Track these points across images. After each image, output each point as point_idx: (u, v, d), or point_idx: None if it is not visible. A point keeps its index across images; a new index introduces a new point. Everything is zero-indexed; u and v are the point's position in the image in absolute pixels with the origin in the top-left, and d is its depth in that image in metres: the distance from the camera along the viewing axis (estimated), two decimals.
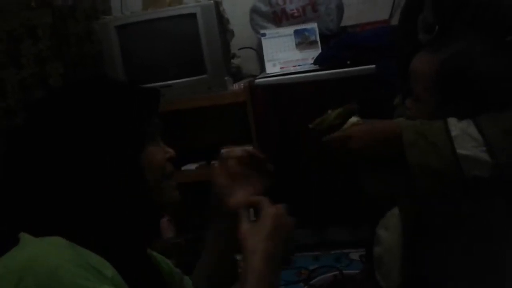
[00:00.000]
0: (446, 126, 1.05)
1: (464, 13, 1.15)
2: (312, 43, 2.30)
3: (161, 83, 2.10)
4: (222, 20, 2.25)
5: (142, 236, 0.84)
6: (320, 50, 2.27)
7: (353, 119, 1.21)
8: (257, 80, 2.20)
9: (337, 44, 2.20)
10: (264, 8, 2.38)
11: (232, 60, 2.40)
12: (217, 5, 2.20)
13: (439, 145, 1.03)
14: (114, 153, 0.77)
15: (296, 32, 2.31)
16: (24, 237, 0.73)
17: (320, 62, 2.20)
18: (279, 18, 2.37)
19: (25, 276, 0.66)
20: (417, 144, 1.05)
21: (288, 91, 2.16)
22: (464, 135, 1.03)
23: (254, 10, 2.40)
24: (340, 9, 2.37)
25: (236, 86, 2.23)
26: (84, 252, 0.71)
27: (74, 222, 0.74)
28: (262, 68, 2.40)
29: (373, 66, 2.04)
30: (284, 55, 2.31)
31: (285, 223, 0.88)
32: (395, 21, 2.35)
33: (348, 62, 2.13)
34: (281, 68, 2.30)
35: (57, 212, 0.74)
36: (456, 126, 1.04)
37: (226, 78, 2.20)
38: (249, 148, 1.03)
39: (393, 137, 1.09)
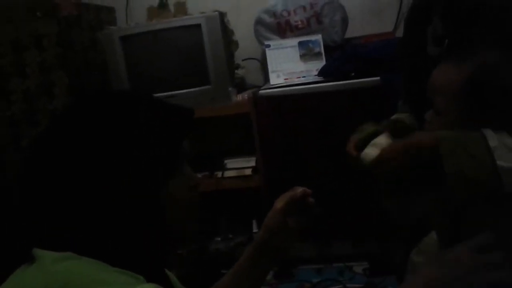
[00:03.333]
0: (483, 136, 1.02)
1: (479, 25, 1.13)
2: (317, 55, 2.30)
3: (164, 94, 2.10)
4: (226, 31, 2.26)
5: (156, 257, 0.81)
6: (324, 62, 2.26)
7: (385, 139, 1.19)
8: (261, 91, 2.20)
9: (341, 56, 2.20)
10: (268, 19, 2.38)
11: (236, 71, 2.40)
12: (222, 16, 2.21)
13: (478, 155, 1.00)
14: (135, 183, 0.72)
15: (301, 44, 2.31)
16: (42, 254, 0.70)
17: (324, 73, 2.20)
18: (283, 29, 2.38)
19: None
20: (456, 154, 1.01)
21: (292, 102, 2.15)
22: (503, 147, 1.00)
23: (259, 22, 2.41)
24: (344, 21, 2.37)
25: (240, 97, 2.23)
26: (105, 264, 0.70)
27: (89, 241, 0.71)
28: (266, 79, 2.40)
29: (378, 78, 2.04)
30: (288, 66, 2.31)
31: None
32: (399, 33, 2.35)
33: (353, 74, 2.13)
34: (285, 79, 2.30)
35: (71, 233, 0.71)
36: (493, 137, 1.01)
37: (230, 89, 2.20)
38: (305, 188, 1.07)
39: (428, 148, 1.05)
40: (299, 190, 1.05)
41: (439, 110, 1.11)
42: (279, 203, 1.04)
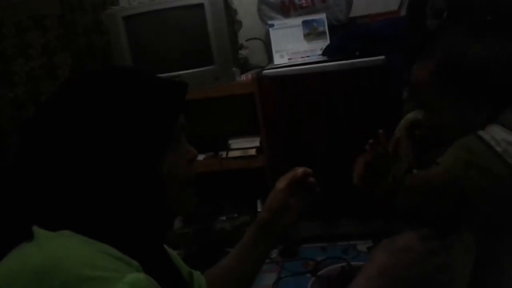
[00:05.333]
0: (485, 142, 1.01)
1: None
2: (321, 34, 2.28)
3: (168, 74, 2.09)
4: (230, 11, 2.24)
5: (155, 233, 0.82)
6: (328, 41, 2.25)
7: None
8: (265, 71, 2.19)
9: (346, 35, 2.19)
10: None
11: (240, 51, 2.39)
12: None
13: (492, 167, 1.01)
14: (133, 157, 0.73)
15: (305, 23, 2.29)
16: (39, 232, 0.70)
17: (329, 53, 2.19)
18: (287, 8, 2.36)
19: (48, 276, 0.64)
20: (471, 176, 1.02)
21: (296, 82, 2.15)
22: (509, 147, 1.00)
23: (262, 1, 2.38)
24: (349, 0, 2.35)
25: (243, 77, 2.23)
26: (102, 245, 0.69)
27: (88, 217, 0.72)
28: (270, 59, 2.39)
29: (382, 57, 2.03)
30: (292, 46, 2.29)
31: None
32: (404, 12, 2.33)
33: (357, 53, 2.12)
34: (289, 59, 2.29)
35: (71, 208, 0.72)
36: (496, 140, 1.01)
37: (233, 69, 2.19)
38: (305, 168, 1.07)
39: (442, 184, 1.05)
40: (300, 170, 1.06)
41: (427, 107, 1.11)
42: (281, 183, 1.04)
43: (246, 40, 2.47)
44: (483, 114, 1.04)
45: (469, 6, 1.11)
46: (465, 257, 1.16)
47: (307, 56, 2.27)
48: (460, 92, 1.05)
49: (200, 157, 2.28)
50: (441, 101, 1.07)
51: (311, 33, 2.29)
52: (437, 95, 1.07)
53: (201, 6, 2.14)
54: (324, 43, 2.25)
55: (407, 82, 1.46)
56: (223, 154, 2.26)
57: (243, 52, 2.42)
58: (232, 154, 2.25)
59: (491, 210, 1.05)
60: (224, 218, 2.34)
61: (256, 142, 2.25)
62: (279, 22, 2.32)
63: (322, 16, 2.29)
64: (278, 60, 2.29)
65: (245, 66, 2.38)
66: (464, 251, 1.13)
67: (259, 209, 2.31)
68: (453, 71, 1.04)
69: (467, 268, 1.14)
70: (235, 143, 2.30)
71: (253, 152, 2.23)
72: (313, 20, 2.30)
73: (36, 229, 0.71)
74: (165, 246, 0.92)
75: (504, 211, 1.07)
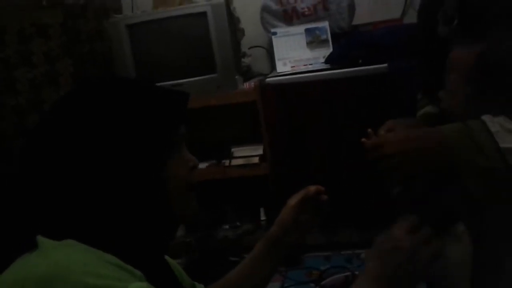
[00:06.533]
0: (483, 122, 1.03)
1: (490, 7, 1.13)
2: (323, 42, 2.28)
3: (171, 82, 2.09)
4: (232, 19, 2.24)
5: (158, 243, 0.82)
6: (331, 49, 2.25)
7: None
8: (267, 79, 2.19)
9: (348, 43, 2.18)
10: (274, 6, 2.37)
11: (242, 59, 2.39)
12: (228, 3, 2.19)
13: (483, 143, 1.02)
14: (137, 165, 0.74)
15: (307, 31, 2.29)
16: (43, 241, 0.71)
17: (332, 61, 2.19)
18: (290, 16, 2.36)
19: (51, 285, 0.64)
20: (464, 144, 1.03)
21: (298, 90, 2.14)
22: (504, 131, 1.02)
23: (265, 9, 2.39)
24: (351, 7, 2.35)
25: (246, 85, 2.22)
26: (106, 254, 0.70)
27: (92, 227, 0.72)
28: (273, 67, 2.39)
29: (385, 65, 2.02)
30: (295, 54, 2.29)
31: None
32: (407, 20, 2.33)
33: (360, 61, 2.11)
34: (292, 67, 2.29)
35: (75, 218, 0.72)
36: (493, 122, 1.03)
37: (236, 77, 2.19)
38: (318, 186, 1.10)
39: (433, 144, 1.06)
40: (312, 188, 1.09)
41: (450, 89, 1.13)
42: (293, 200, 1.08)
43: (249, 48, 2.47)
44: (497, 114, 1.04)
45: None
46: (459, 246, 1.15)
47: (310, 64, 2.27)
48: (489, 87, 1.06)
49: (203, 165, 2.27)
50: (466, 86, 1.09)
51: (313, 41, 2.30)
52: (466, 79, 1.08)
53: (204, 14, 2.14)
54: (327, 51, 2.25)
55: (420, 86, 1.48)
56: (226, 162, 2.25)
57: (245, 60, 2.42)
58: (235, 162, 2.24)
59: (482, 195, 1.04)
60: (227, 226, 2.33)
61: (259, 150, 2.24)
62: (281, 30, 2.33)
63: (325, 24, 2.29)
64: (281, 68, 2.29)
65: (247, 74, 2.38)
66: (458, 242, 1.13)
67: (262, 218, 2.30)
68: (493, 68, 1.05)
69: (464, 259, 1.14)
70: (238, 151, 2.29)
71: (256, 160, 2.22)
72: (315, 28, 2.30)
73: (40, 238, 0.71)
74: (167, 257, 0.92)
75: (499, 206, 1.06)
